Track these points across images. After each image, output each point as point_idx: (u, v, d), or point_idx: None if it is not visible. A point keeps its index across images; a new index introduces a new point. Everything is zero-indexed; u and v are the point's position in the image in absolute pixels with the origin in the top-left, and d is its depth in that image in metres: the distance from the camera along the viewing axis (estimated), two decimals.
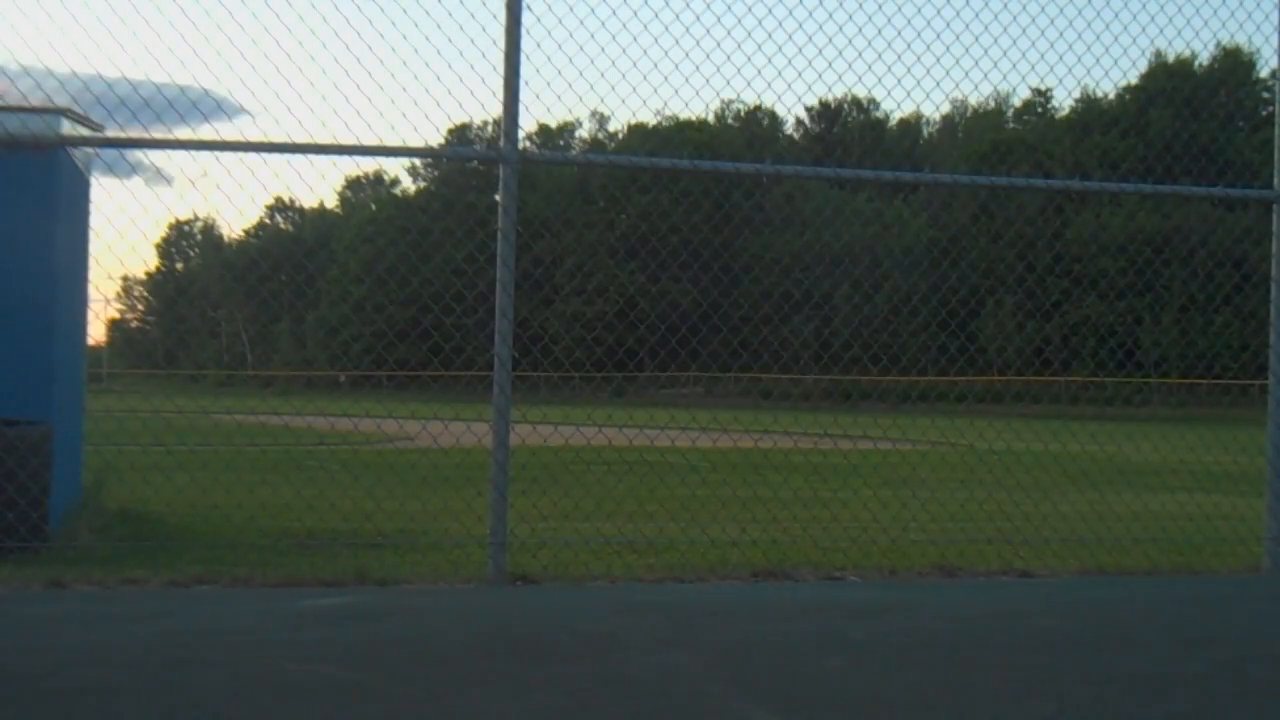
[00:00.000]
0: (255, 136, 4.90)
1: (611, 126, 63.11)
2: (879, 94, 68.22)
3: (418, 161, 67.34)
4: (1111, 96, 50.69)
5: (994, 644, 4.07)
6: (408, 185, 71.95)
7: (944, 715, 3.17)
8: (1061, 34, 6.56)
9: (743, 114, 61.91)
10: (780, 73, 6.35)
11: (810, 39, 6.06)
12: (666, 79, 6.04)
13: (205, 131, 5.60)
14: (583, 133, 65.10)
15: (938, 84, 11.88)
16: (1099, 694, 3.38)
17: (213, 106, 5.65)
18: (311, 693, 3.22)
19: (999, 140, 53.13)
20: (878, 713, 3.18)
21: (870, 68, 6.31)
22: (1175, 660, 3.88)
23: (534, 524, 6.47)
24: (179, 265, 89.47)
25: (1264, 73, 46.15)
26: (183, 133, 5.01)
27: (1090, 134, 49.90)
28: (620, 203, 53.00)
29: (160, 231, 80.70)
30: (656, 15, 5.85)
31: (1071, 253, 44.04)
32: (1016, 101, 60.00)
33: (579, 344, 50.65)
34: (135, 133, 4.89)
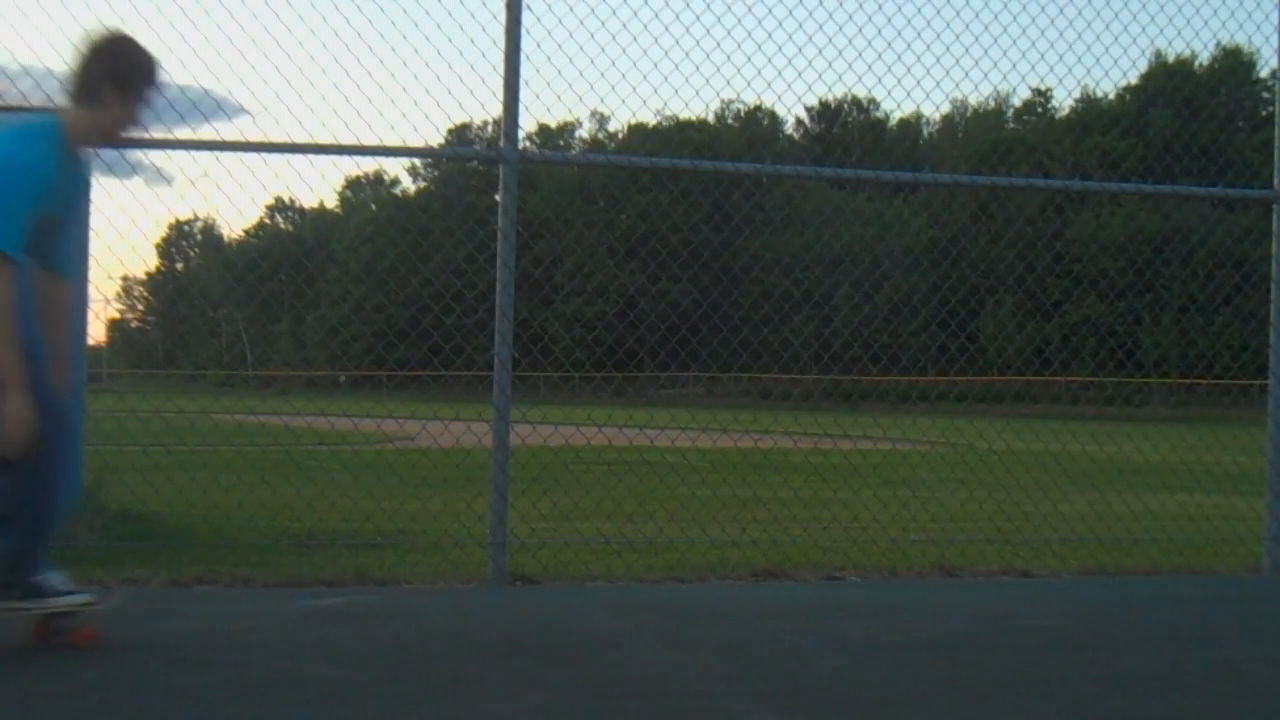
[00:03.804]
0: (255, 136, 4.90)
1: (611, 126, 63.21)
2: (879, 94, 68.30)
3: (418, 161, 67.36)
4: (1111, 96, 50.76)
5: (994, 644, 4.07)
6: (408, 185, 72.06)
7: (944, 715, 3.17)
8: (1061, 34, 6.57)
9: (743, 114, 61.97)
10: (780, 73, 6.37)
11: (810, 39, 6.07)
12: (666, 79, 6.05)
13: (205, 131, 5.60)
14: (583, 133, 65.18)
15: (938, 84, 11.95)
16: (1099, 694, 3.38)
17: (213, 106, 5.65)
18: (311, 693, 3.22)
19: (999, 140, 53.17)
20: (878, 713, 3.18)
21: (870, 68, 6.33)
22: (1175, 660, 3.88)
23: (534, 524, 6.46)
24: (179, 265, 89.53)
25: (1264, 73, 46.21)
26: (183, 133, 5.00)
27: (1090, 134, 49.94)
28: (620, 203, 53.03)
29: (160, 231, 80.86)
30: (656, 15, 5.86)
31: (1071, 253, 44.05)
32: (1016, 101, 60.09)
33: (579, 344, 50.70)
34: (135, 133, 4.88)
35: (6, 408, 3.28)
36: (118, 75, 3.53)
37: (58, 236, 3.60)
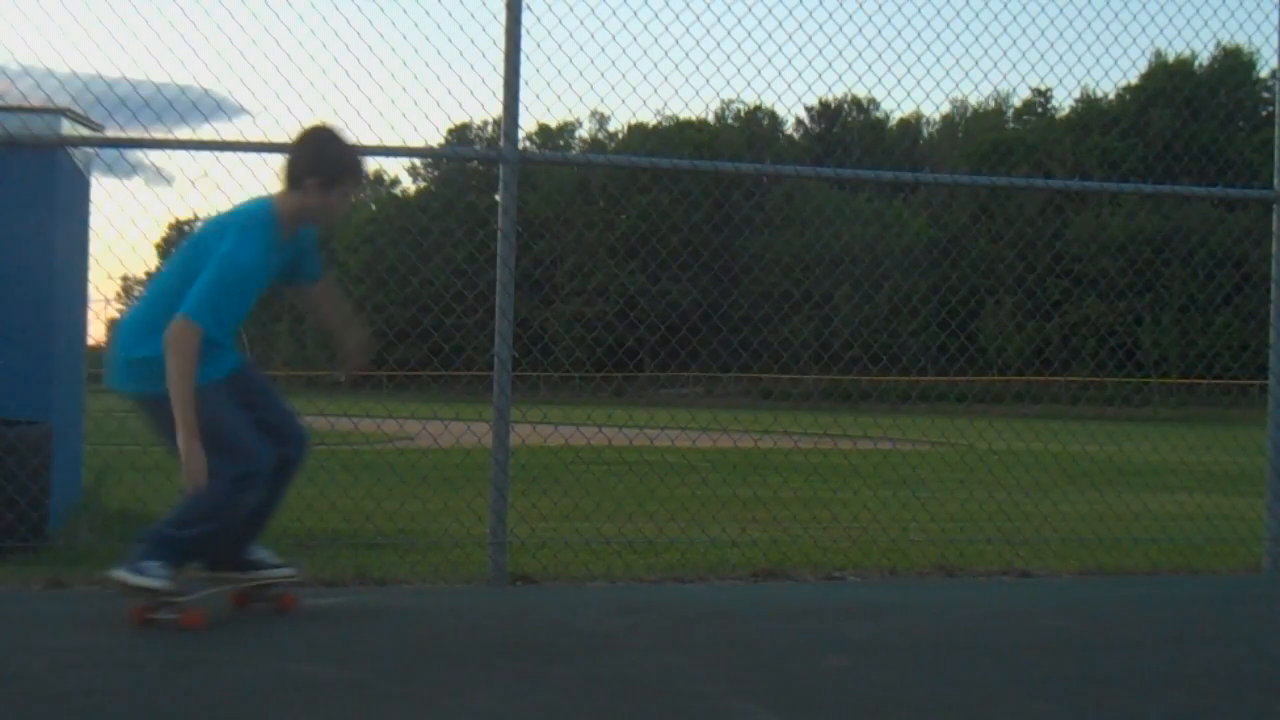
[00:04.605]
0: (255, 136, 4.90)
1: (611, 126, 63.16)
2: (879, 94, 68.34)
3: (418, 161, 67.31)
4: (1111, 96, 50.77)
5: (994, 644, 4.07)
6: (408, 185, 71.98)
7: (944, 715, 3.17)
8: (1061, 34, 6.57)
9: (743, 114, 61.92)
10: (780, 73, 6.37)
11: (810, 39, 6.07)
12: (666, 79, 6.05)
13: (205, 131, 5.60)
14: (583, 133, 65.13)
15: (938, 84, 11.95)
16: (1099, 694, 3.38)
17: (213, 106, 5.66)
18: (311, 693, 3.22)
19: (999, 140, 53.15)
20: (878, 713, 3.18)
21: (870, 68, 6.33)
22: (1175, 660, 3.88)
23: (534, 524, 6.46)
24: None
25: (1264, 73, 46.18)
26: (183, 133, 5.00)
27: (1090, 134, 49.93)
28: (620, 203, 53.00)
29: (160, 231, 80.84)
30: (656, 15, 5.86)
31: (1071, 253, 44.05)
32: (1016, 101, 60.04)
33: (579, 344, 50.67)
34: (135, 133, 4.89)
35: (184, 453, 3.71)
36: (321, 169, 3.90)
37: (307, 264, 4.30)
